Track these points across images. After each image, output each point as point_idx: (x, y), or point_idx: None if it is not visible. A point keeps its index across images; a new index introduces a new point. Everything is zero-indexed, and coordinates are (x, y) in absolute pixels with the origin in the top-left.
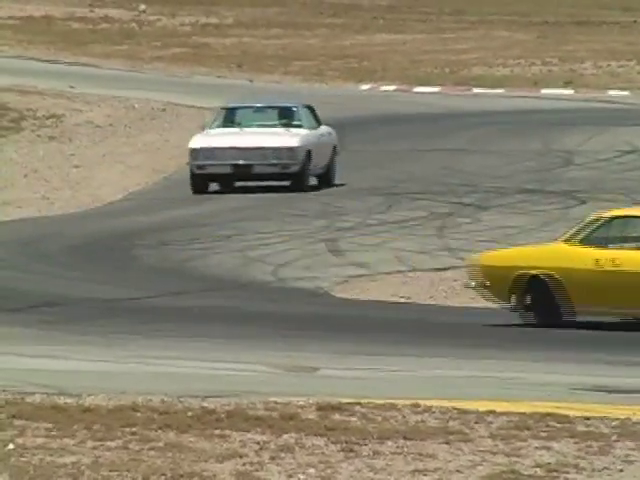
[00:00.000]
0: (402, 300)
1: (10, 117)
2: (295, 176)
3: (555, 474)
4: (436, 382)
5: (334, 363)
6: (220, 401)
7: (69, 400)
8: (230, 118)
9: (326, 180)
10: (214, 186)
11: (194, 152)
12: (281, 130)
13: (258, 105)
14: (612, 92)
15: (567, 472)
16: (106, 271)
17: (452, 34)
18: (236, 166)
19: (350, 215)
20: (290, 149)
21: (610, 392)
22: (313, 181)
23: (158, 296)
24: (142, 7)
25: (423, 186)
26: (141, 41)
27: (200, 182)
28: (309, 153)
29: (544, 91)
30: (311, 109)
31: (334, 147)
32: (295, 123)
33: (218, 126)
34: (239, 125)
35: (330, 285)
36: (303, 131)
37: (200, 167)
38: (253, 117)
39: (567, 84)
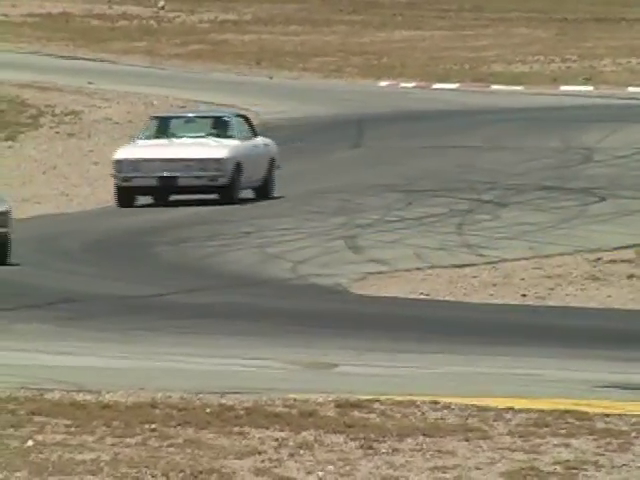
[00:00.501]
0: (421, 297)
1: (29, 113)
2: (223, 189)
3: (574, 471)
4: (455, 379)
5: (353, 360)
6: (239, 398)
7: (88, 397)
8: (160, 129)
9: (263, 194)
10: (145, 199)
11: (118, 164)
12: (210, 141)
13: (189, 115)
14: (631, 89)
15: (586, 469)
16: (124, 268)
17: (471, 31)
18: (161, 178)
19: (369, 212)
20: (217, 160)
21: (629, 389)
22: (249, 194)
23: (177, 293)
24: (161, 4)
25: (442, 183)
26: (160, 38)
27: (126, 195)
28: (239, 165)
29: (563, 88)
30: (246, 119)
31: (272, 159)
32: (227, 134)
33: (148, 137)
34: (169, 136)
35: (349, 282)
36: (234, 142)
37: (125, 179)
38: (184, 128)
39: (586, 81)
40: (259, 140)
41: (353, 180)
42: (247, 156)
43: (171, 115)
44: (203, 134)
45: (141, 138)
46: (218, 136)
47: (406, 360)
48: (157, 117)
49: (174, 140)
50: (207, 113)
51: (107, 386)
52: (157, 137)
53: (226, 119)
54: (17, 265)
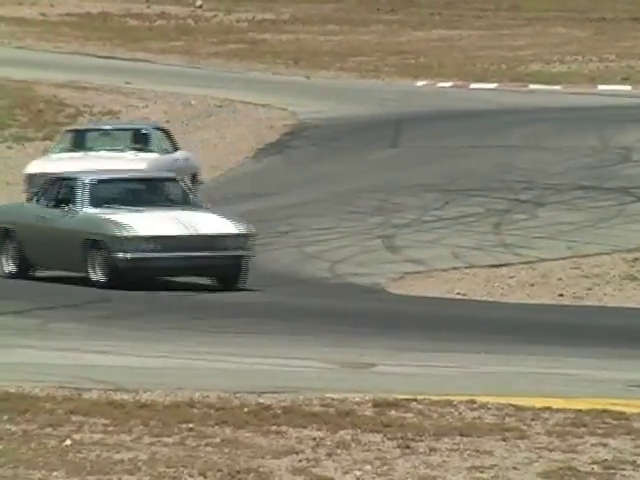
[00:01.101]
0: (458, 296)
1: (67, 113)
2: None
3: (612, 471)
4: (492, 378)
5: (390, 359)
6: (276, 397)
7: (126, 396)
8: (75, 142)
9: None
10: None
11: (29, 178)
12: (128, 154)
13: (106, 127)
14: None
15: (624, 469)
16: None
17: (509, 30)
18: None
19: (406, 211)
20: None
21: None
22: None
23: (214, 292)
24: (198, 3)
25: (479, 182)
26: (197, 37)
27: None
28: None
29: (601, 87)
30: (166, 132)
31: (193, 175)
32: (145, 147)
33: (62, 150)
34: (85, 149)
35: (386, 281)
36: (153, 155)
37: (36, 194)
38: (101, 141)
39: (624, 80)
40: (179, 154)
41: (390, 180)
42: (167, 170)
43: (87, 128)
44: (120, 147)
45: (55, 152)
46: (137, 150)
47: (443, 359)
48: (72, 130)
49: (90, 154)
50: (125, 125)
51: (144, 385)
52: (72, 150)
53: (145, 132)
54: (251, 290)
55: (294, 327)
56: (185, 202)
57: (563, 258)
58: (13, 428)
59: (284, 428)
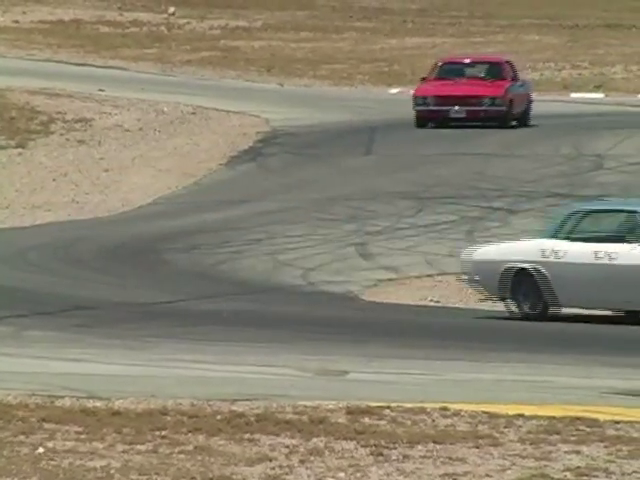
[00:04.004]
0: (431, 304)
1: (39, 120)
2: None
3: (585, 478)
4: (465, 386)
5: (363, 367)
6: (249, 405)
7: (98, 404)
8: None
9: None
10: None
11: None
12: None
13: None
14: None
15: (597, 476)
16: (137, 275)
17: (482, 38)
18: None
19: (380, 219)
20: None
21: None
22: None
23: (188, 300)
24: (171, 10)
25: (453, 190)
26: (170, 44)
27: None
28: None
29: (574, 95)
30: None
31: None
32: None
33: None
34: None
35: (360, 289)
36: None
37: None
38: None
39: (597, 88)
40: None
41: (364, 187)
42: None
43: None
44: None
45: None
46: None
47: (416, 367)
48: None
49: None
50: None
51: (118, 393)
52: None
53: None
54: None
55: (267, 335)
56: None
57: None
58: None
59: (257, 436)
